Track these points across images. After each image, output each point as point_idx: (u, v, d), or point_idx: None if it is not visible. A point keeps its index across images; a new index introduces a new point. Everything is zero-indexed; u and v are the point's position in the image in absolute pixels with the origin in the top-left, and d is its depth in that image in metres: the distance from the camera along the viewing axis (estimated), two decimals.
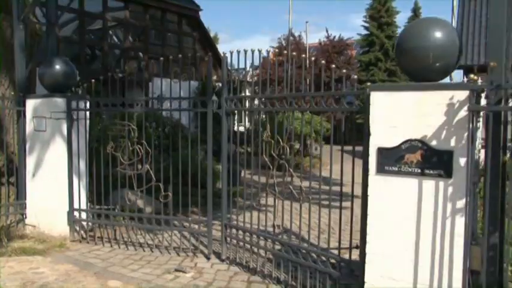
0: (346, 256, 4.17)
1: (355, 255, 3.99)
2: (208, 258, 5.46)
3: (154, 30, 19.31)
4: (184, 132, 10.19)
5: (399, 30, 46.00)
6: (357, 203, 4.05)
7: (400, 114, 3.44)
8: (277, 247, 4.81)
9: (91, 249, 5.71)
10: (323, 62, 4.78)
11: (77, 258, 5.30)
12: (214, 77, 20.83)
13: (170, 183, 5.69)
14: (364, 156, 3.73)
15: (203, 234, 5.83)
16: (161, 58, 5.75)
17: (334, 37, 28.54)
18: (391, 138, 3.48)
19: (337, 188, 4.32)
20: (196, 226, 5.98)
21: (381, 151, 3.54)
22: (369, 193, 3.63)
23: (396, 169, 3.47)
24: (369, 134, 3.64)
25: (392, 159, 3.48)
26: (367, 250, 3.65)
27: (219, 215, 5.72)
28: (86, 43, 16.58)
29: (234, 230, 5.43)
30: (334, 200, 4.37)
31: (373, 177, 3.59)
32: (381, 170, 3.55)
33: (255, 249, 5.14)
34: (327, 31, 29.11)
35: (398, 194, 3.47)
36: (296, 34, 28.61)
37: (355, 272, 3.96)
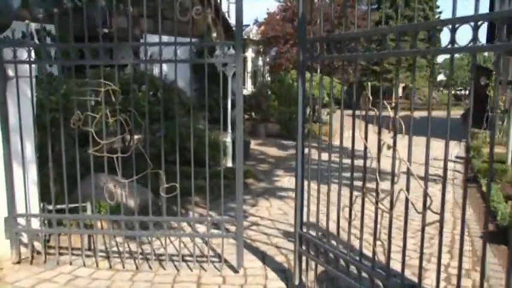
0: None
1: None
2: (236, 272, 3.86)
3: None
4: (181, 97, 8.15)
5: None
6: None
7: None
8: None
9: (40, 278, 3.70)
10: None
11: None
12: (214, 34, 18.59)
13: (177, 167, 3.87)
14: None
15: (232, 236, 4.05)
16: None
17: None
18: None
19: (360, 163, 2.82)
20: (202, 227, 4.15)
21: None
22: None
23: None
24: None
25: None
26: None
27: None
28: None
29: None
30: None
31: None
32: None
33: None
34: None
35: None
36: None
37: None
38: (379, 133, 2.40)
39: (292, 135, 14.74)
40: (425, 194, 2.20)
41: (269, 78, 21.26)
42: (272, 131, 14.59)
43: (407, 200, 2.33)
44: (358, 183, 2.88)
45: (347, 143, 3.07)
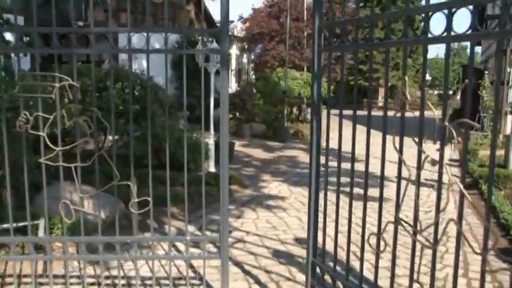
0: None
1: None
2: None
3: None
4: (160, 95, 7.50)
5: None
6: None
7: None
8: None
9: None
10: None
11: None
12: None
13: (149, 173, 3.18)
14: None
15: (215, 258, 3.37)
16: None
17: None
18: None
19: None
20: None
21: None
22: None
23: None
24: None
25: None
26: None
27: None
28: None
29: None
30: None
31: None
32: None
33: None
34: None
35: None
36: None
37: None
38: (420, 142, 1.76)
39: (278, 136, 14.27)
40: (487, 230, 1.57)
41: (254, 76, 20.66)
42: (257, 131, 13.98)
43: (459, 234, 1.71)
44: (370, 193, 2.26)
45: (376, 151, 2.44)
